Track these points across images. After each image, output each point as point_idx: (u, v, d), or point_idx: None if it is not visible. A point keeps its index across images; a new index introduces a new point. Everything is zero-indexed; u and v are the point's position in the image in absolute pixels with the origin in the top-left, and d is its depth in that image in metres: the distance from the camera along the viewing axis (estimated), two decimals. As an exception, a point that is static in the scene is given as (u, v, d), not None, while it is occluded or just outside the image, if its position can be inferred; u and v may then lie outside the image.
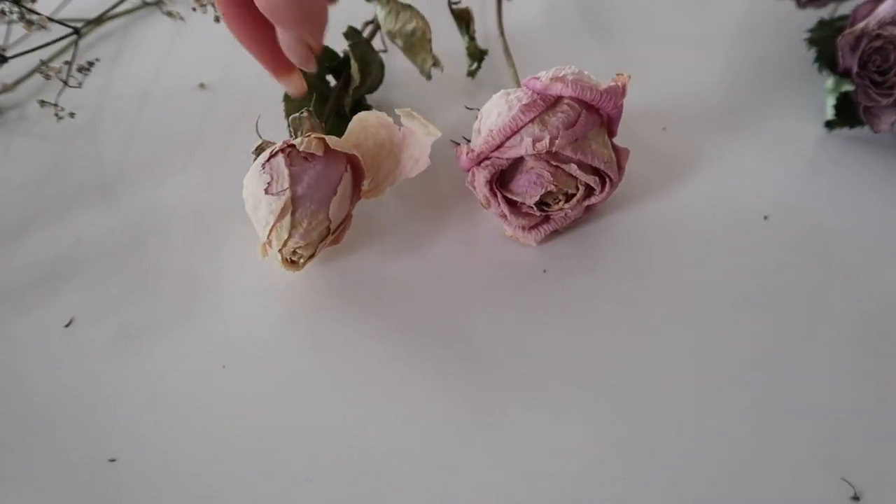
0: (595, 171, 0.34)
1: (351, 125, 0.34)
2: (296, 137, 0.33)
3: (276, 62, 0.33)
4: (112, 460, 0.30)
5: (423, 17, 0.38)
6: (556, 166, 0.33)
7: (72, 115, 0.41)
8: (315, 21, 0.31)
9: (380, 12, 0.38)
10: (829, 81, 0.40)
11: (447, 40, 0.38)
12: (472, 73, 0.43)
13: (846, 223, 0.37)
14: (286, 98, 0.38)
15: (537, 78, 0.33)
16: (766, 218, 0.37)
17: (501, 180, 0.34)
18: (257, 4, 0.30)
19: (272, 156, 0.32)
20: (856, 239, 0.36)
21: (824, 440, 0.30)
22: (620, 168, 0.35)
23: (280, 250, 0.32)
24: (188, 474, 0.30)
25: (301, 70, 0.33)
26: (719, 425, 0.30)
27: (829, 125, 0.40)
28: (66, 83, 0.40)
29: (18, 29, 0.41)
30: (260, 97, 0.44)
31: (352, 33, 0.39)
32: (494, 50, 0.43)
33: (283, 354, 0.33)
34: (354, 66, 0.38)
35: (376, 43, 0.42)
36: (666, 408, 0.31)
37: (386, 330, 0.34)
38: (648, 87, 0.42)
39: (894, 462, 0.29)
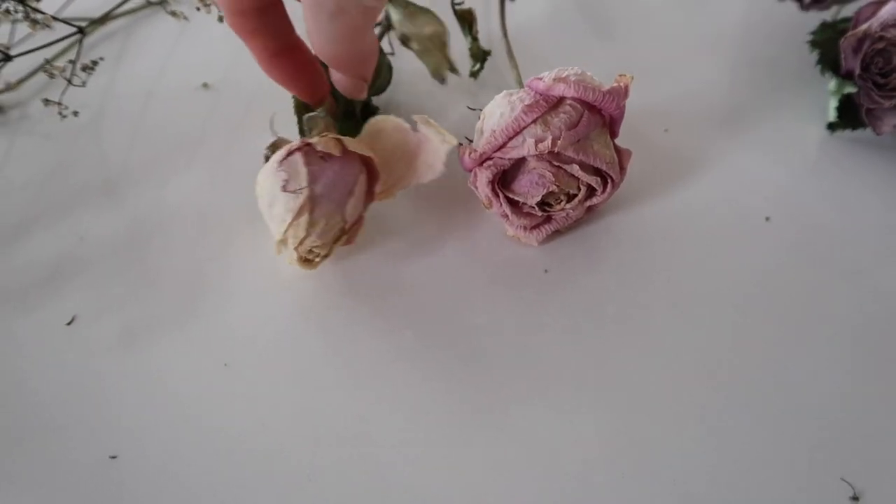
0: (597, 172, 0.34)
1: (366, 128, 0.34)
2: (310, 136, 0.33)
3: (312, 95, 0.35)
4: (113, 457, 0.30)
5: (441, 22, 0.38)
6: (558, 167, 0.33)
7: (75, 113, 0.41)
8: (372, 60, 0.32)
9: (395, 15, 0.38)
10: (832, 83, 0.40)
11: (450, 41, 0.38)
12: (474, 74, 0.43)
13: (848, 225, 0.37)
14: (297, 99, 0.38)
15: (540, 79, 0.33)
16: (767, 219, 0.37)
17: (503, 180, 0.34)
18: (318, 55, 0.31)
19: (289, 153, 0.32)
20: (857, 240, 0.36)
21: (824, 440, 0.30)
22: (622, 169, 0.35)
23: (296, 248, 0.32)
24: (189, 472, 0.30)
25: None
26: (719, 425, 0.30)
27: (832, 127, 0.40)
28: (70, 82, 0.40)
29: (22, 28, 0.42)
30: (263, 97, 0.44)
31: None
32: (497, 51, 0.43)
33: (285, 353, 0.33)
34: None
35: (383, 45, 0.42)
36: (666, 407, 0.31)
37: (387, 330, 0.34)
38: (650, 88, 0.42)
39: (894, 462, 0.29)
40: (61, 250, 0.37)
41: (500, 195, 0.34)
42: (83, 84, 0.41)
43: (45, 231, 0.38)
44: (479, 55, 0.43)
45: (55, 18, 0.40)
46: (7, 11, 0.40)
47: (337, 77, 0.32)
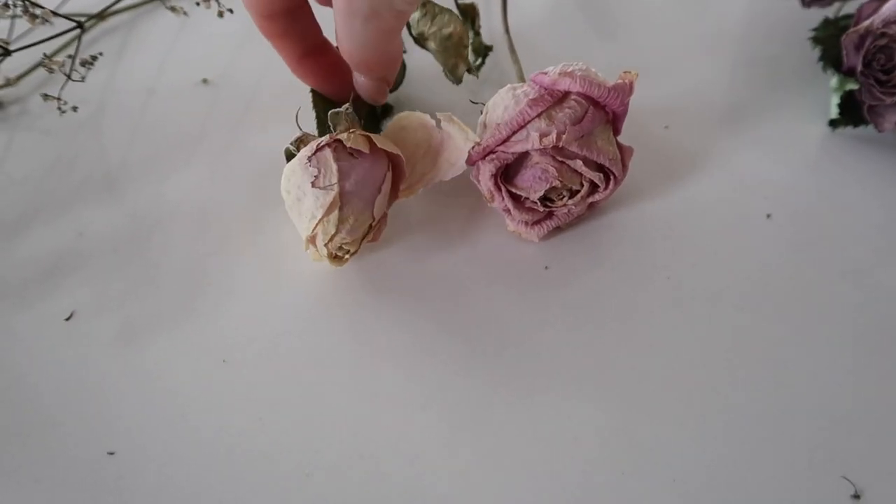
0: (600, 168, 0.34)
1: (391, 124, 0.34)
2: (336, 133, 0.32)
3: (344, 92, 0.35)
4: (111, 453, 0.30)
5: (461, 21, 0.38)
6: (562, 162, 0.33)
7: (74, 108, 0.41)
8: (397, 63, 0.33)
9: (414, 14, 0.38)
10: (834, 80, 0.40)
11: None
12: (476, 70, 0.43)
13: (849, 222, 0.37)
14: (314, 91, 0.38)
15: (545, 73, 0.33)
16: (769, 216, 0.37)
17: (506, 175, 0.34)
18: (346, 59, 0.31)
19: (318, 149, 0.31)
20: (858, 238, 0.36)
21: (825, 438, 0.30)
22: (624, 166, 0.35)
23: (326, 244, 0.32)
24: (187, 469, 0.30)
25: None
26: (720, 422, 0.30)
27: (833, 124, 0.40)
28: (69, 77, 0.40)
29: (22, 24, 0.41)
30: (263, 93, 0.44)
31: None
32: (499, 46, 0.43)
33: (283, 350, 0.33)
34: None
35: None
36: (666, 405, 0.31)
37: (385, 327, 0.33)
38: (651, 85, 0.41)
39: (895, 460, 0.29)
40: (60, 246, 0.37)
41: (503, 189, 0.34)
42: (82, 79, 0.41)
43: (44, 226, 0.38)
44: (481, 50, 0.43)
45: (55, 13, 0.40)
46: (6, 6, 0.39)
47: (360, 81, 0.33)
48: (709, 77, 0.44)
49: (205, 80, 0.45)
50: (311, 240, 0.32)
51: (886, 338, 0.33)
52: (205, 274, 0.36)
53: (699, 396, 0.31)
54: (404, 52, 0.43)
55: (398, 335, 0.33)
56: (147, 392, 0.32)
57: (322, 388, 0.32)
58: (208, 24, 0.45)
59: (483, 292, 0.34)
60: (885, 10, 0.37)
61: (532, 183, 0.33)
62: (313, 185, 0.30)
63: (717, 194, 0.38)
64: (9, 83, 0.44)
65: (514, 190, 0.34)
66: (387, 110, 0.41)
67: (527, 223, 0.35)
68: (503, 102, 0.33)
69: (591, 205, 0.36)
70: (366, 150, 0.31)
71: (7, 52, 0.40)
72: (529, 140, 0.32)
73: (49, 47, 0.44)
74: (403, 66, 0.42)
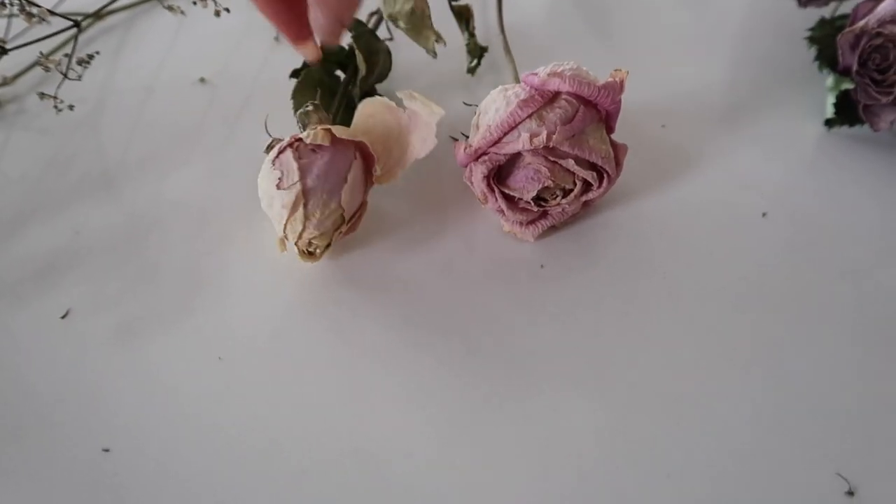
0: (592, 167, 0.34)
1: (357, 113, 0.34)
2: (304, 130, 0.33)
3: (296, 30, 0.32)
4: (106, 450, 0.30)
5: None
6: (554, 161, 0.33)
7: (71, 107, 0.41)
8: (353, 4, 0.31)
9: None
10: (829, 80, 0.40)
11: (447, 37, 0.38)
12: (471, 70, 0.43)
13: (844, 221, 0.36)
14: (295, 95, 0.38)
15: (535, 73, 0.33)
16: (764, 215, 0.37)
17: (499, 176, 0.34)
18: None
19: (280, 152, 0.32)
20: (854, 237, 0.36)
21: (820, 436, 0.30)
22: (618, 164, 0.35)
23: (296, 243, 0.33)
24: (183, 466, 0.30)
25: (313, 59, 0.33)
26: (715, 420, 0.30)
27: (829, 123, 0.40)
28: (65, 76, 0.40)
29: (19, 23, 0.42)
30: (260, 91, 0.44)
31: (354, 25, 0.39)
32: (495, 47, 0.43)
33: (280, 348, 0.33)
34: (360, 56, 0.38)
35: (382, 32, 0.42)
36: (661, 402, 0.31)
37: (382, 325, 0.34)
38: (648, 84, 0.42)
39: (889, 457, 0.29)
40: (57, 244, 0.37)
41: (496, 190, 0.34)
42: (79, 78, 0.41)
43: (41, 225, 0.38)
44: (476, 51, 0.43)
45: (51, 13, 0.40)
46: (3, 4, 0.40)
47: (315, 16, 0.31)
48: (705, 76, 0.44)
49: (202, 79, 0.45)
50: (283, 239, 0.33)
51: (882, 336, 0.33)
52: (202, 272, 0.36)
53: (694, 394, 0.31)
54: (390, 39, 0.43)
55: (394, 333, 0.33)
56: (143, 389, 0.32)
57: (318, 385, 0.32)
58: (205, 22, 0.45)
59: (479, 291, 0.35)
60: (881, 9, 0.37)
61: (525, 183, 0.33)
62: (277, 187, 0.32)
63: (713, 193, 0.38)
64: (6, 82, 0.44)
65: (507, 191, 0.34)
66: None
67: (521, 223, 0.35)
68: (495, 104, 0.33)
69: (586, 203, 0.36)
70: (327, 143, 0.32)
71: (4, 51, 0.40)
72: (520, 141, 0.32)
73: (46, 46, 0.44)
74: (388, 54, 0.42)
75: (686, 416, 0.30)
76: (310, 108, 0.34)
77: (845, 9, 0.43)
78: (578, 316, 0.34)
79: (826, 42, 0.41)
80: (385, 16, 0.39)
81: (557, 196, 0.34)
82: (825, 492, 0.28)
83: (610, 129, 0.35)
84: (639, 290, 0.34)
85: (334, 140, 0.33)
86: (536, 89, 0.32)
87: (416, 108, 0.33)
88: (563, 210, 0.35)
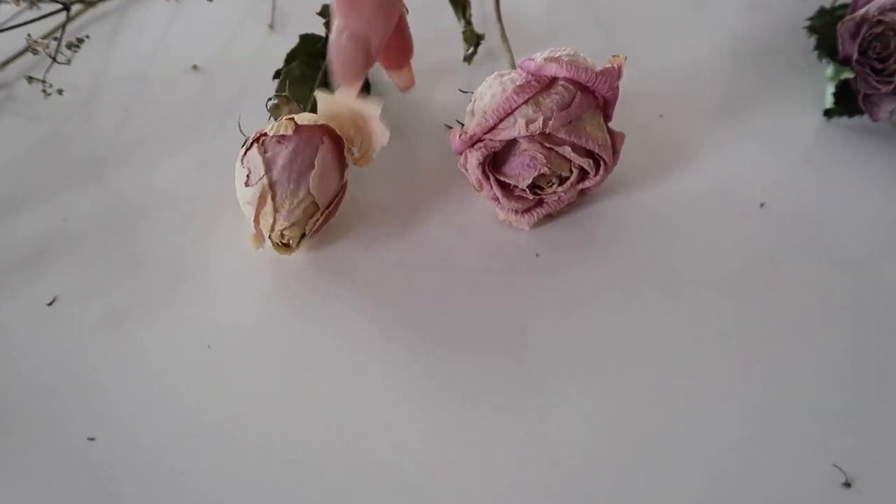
0: (589, 154, 0.33)
1: (318, 101, 0.34)
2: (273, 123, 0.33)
3: (394, 59, 0.34)
4: (91, 439, 0.30)
5: None
6: (550, 148, 0.32)
7: (60, 92, 0.41)
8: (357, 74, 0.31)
9: None
10: (829, 69, 0.39)
11: (443, 24, 0.37)
12: (468, 59, 0.43)
13: (843, 212, 0.36)
14: (280, 89, 0.38)
15: (532, 59, 0.32)
16: (762, 205, 0.37)
17: (494, 163, 0.34)
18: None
19: (247, 149, 0.32)
20: (852, 228, 0.36)
21: (817, 427, 0.29)
22: (615, 152, 0.34)
23: (269, 236, 0.32)
24: (170, 454, 0.29)
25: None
26: (712, 411, 0.30)
27: (828, 114, 0.40)
28: (54, 59, 0.40)
29: (8, 9, 0.41)
30: (253, 80, 0.44)
31: (325, 11, 0.38)
32: (491, 34, 0.43)
33: (268, 336, 0.33)
34: None
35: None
36: (658, 393, 0.30)
37: (375, 314, 0.33)
38: (646, 73, 0.41)
39: (885, 449, 0.29)
40: (45, 231, 0.37)
41: (491, 178, 0.33)
42: (68, 62, 0.41)
43: (28, 212, 0.37)
44: (473, 39, 0.42)
45: (41, -3, 0.40)
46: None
47: (343, 43, 0.31)
48: (704, 66, 0.43)
49: (195, 67, 0.45)
50: (258, 235, 0.33)
51: (880, 327, 0.32)
52: (190, 260, 0.35)
53: (691, 385, 0.31)
54: None
55: (386, 323, 0.33)
56: (130, 377, 0.31)
57: (307, 375, 0.31)
58: (199, 10, 0.45)
59: (473, 279, 0.34)
60: (882, -3, 0.37)
61: (520, 170, 0.33)
62: (246, 185, 0.32)
63: (711, 183, 0.38)
64: (-5, 68, 0.44)
65: (502, 178, 0.34)
66: (366, 86, 0.40)
67: (517, 211, 0.35)
68: (491, 90, 0.32)
69: (583, 192, 0.36)
70: (290, 132, 0.32)
71: (-8, 35, 0.40)
72: (516, 127, 0.31)
73: (36, 31, 0.43)
74: None
75: (682, 408, 0.30)
76: (276, 101, 0.34)
77: (845, -2, 0.43)
78: (574, 305, 0.33)
79: (826, 31, 0.41)
80: None
81: (553, 184, 0.34)
82: (821, 483, 0.28)
83: (607, 118, 0.35)
84: (636, 280, 0.34)
85: (298, 129, 0.32)
86: (533, 75, 0.32)
87: (354, 107, 0.33)
88: (558, 198, 0.35)
